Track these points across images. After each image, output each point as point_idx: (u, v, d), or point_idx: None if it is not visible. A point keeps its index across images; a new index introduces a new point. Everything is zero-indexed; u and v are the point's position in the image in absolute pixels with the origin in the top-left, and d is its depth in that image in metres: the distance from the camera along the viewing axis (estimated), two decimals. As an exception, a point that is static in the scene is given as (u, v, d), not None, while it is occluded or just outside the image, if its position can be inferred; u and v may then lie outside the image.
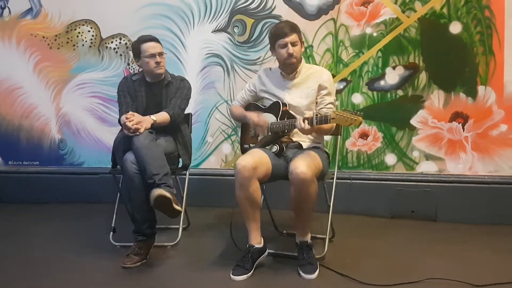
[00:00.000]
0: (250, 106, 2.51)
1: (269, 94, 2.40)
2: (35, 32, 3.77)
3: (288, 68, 2.33)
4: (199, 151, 3.51)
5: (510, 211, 2.87)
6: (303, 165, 2.03)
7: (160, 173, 2.21)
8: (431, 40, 3.03)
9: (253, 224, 2.18)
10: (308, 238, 2.19)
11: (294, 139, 2.32)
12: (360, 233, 2.79)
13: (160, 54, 2.54)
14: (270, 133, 2.31)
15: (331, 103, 2.30)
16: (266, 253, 2.24)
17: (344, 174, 3.11)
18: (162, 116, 2.48)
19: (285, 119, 2.25)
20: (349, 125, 2.01)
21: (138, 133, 2.29)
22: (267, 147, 2.28)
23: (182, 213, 2.52)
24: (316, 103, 2.32)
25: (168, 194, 2.13)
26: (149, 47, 2.52)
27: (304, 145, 2.32)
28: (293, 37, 2.26)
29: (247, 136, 2.51)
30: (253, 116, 2.36)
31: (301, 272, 2.08)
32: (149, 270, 2.23)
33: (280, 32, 2.28)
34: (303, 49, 2.34)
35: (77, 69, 3.73)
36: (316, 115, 2.05)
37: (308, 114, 2.09)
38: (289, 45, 2.25)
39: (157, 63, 2.52)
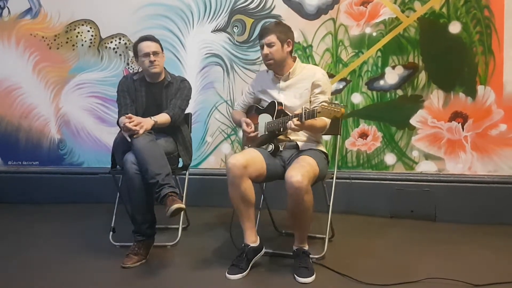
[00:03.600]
0: (252, 108, 2.51)
1: (265, 95, 2.41)
2: (35, 32, 3.77)
3: (277, 70, 2.32)
4: (199, 151, 3.51)
5: (509, 211, 2.87)
6: (298, 174, 1.99)
7: (162, 173, 2.21)
8: (431, 40, 3.03)
9: (248, 223, 2.17)
10: (305, 246, 2.17)
11: (291, 137, 2.30)
12: (359, 233, 2.79)
13: (155, 53, 2.52)
14: (266, 132, 2.31)
15: (324, 101, 2.24)
16: (262, 252, 2.22)
17: (343, 174, 3.12)
18: (163, 117, 2.48)
19: (281, 118, 2.24)
20: (333, 117, 1.97)
21: (137, 134, 2.28)
22: (263, 147, 2.29)
23: (182, 213, 2.52)
24: (310, 102, 2.29)
25: (183, 205, 2.13)
26: (144, 47, 2.52)
27: (301, 145, 2.30)
28: (269, 38, 2.23)
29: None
30: (245, 129, 2.35)
31: (296, 276, 2.04)
32: (149, 270, 2.23)
33: (259, 34, 2.30)
34: (289, 48, 2.29)
35: (76, 69, 3.73)
36: (305, 110, 2.02)
37: (298, 111, 2.08)
38: (265, 47, 2.24)
39: (151, 62, 2.51)
